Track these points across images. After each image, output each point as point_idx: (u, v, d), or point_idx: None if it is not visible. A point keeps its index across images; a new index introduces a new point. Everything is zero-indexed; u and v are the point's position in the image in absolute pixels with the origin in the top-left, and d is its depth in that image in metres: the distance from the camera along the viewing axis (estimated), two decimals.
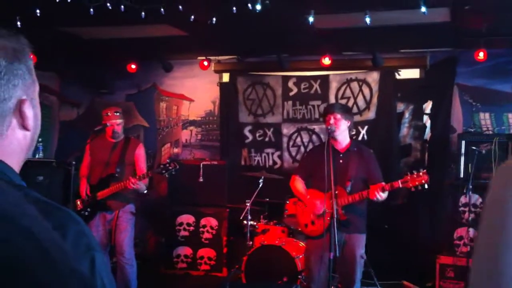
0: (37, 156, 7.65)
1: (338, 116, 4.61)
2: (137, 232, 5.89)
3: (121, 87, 8.41)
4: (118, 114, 5.51)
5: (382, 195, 4.40)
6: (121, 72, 7.97)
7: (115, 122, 5.47)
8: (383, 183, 4.48)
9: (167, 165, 5.32)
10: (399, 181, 4.39)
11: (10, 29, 1.04)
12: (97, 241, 0.93)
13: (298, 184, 4.87)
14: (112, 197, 5.41)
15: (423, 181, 4.32)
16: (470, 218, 6.08)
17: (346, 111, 4.80)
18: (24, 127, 1.01)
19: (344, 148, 4.70)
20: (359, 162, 4.64)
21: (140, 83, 8.34)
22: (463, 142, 6.37)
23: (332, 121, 4.59)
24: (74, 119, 8.67)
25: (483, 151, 6.05)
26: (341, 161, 4.58)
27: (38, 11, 5.19)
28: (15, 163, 1.01)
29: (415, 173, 4.36)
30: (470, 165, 6.12)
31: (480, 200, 6.24)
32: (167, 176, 5.45)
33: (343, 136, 4.71)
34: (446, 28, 6.01)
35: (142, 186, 5.35)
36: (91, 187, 5.52)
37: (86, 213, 5.43)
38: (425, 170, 4.41)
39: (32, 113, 1.03)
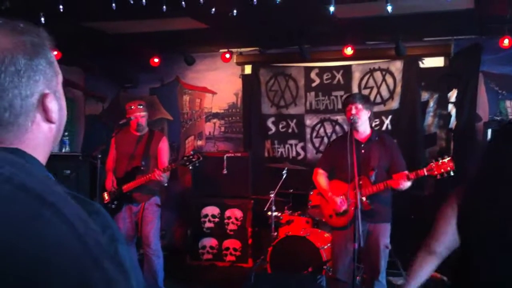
0: (63, 150, 7.77)
1: (360, 106, 4.61)
2: (163, 224, 5.95)
3: (145, 80, 8.48)
4: (141, 107, 5.56)
5: (406, 184, 4.37)
6: (144, 66, 8.03)
7: (139, 115, 5.52)
8: (407, 172, 4.44)
9: (191, 157, 5.36)
10: (424, 169, 4.35)
11: (33, 24, 1.06)
12: (121, 234, 0.94)
13: (321, 179, 4.87)
14: (138, 189, 5.47)
15: (448, 168, 4.28)
16: None
17: (367, 101, 4.79)
18: (48, 120, 1.03)
19: (365, 138, 4.68)
20: (381, 151, 4.62)
21: (163, 77, 8.41)
22: (489, 131, 6.29)
23: (354, 111, 4.58)
24: (100, 113, 8.78)
25: None
26: (363, 151, 4.57)
27: (61, 6, 5.25)
28: (41, 156, 1.03)
29: (441, 161, 4.33)
30: None
31: None
32: (190, 168, 5.49)
33: (364, 126, 4.70)
34: (470, 15, 5.92)
35: (164, 178, 5.40)
36: (117, 180, 5.59)
37: (113, 206, 5.51)
38: (450, 157, 4.36)
39: (56, 105, 1.04)
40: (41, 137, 1.02)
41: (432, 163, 4.36)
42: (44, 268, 0.77)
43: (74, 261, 0.79)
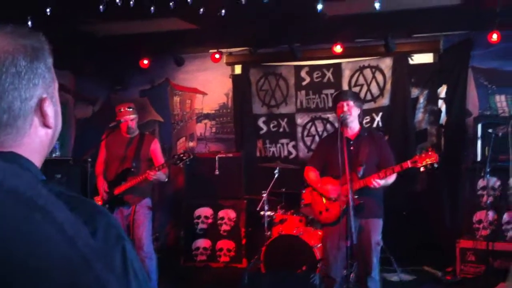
0: (54, 155, 7.71)
1: (351, 103, 4.65)
2: (156, 226, 5.94)
3: (135, 83, 8.45)
4: (131, 109, 5.54)
5: (379, 182, 4.40)
6: (134, 68, 8.01)
7: (129, 118, 5.51)
8: (387, 168, 4.47)
9: (181, 155, 5.39)
10: (409, 161, 4.41)
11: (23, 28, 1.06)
12: (123, 230, 0.96)
13: (311, 174, 4.91)
14: (130, 191, 5.45)
15: (432, 159, 4.33)
16: (488, 201, 6.04)
17: (357, 98, 4.89)
18: (45, 125, 1.04)
19: (354, 134, 4.72)
20: (370, 147, 4.65)
21: (153, 78, 8.37)
22: (480, 126, 6.32)
23: (345, 108, 4.61)
24: (90, 116, 8.74)
25: (500, 134, 5.98)
26: (352, 148, 4.59)
27: (48, 10, 5.22)
28: (37, 160, 1.04)
29: (424, 152, 4.39)
30: (487, 148, 6.07)
31: (498, 183, 6.18)
32: (181, 166, 5.52)
33: (354, 123, 4.75)
34: (459, 11, 5.94)
35: (162, 176, 5.42)
36: (108, 183, 5.56)
37: None
38: (433, 150, 4.43)
39: (53, 111, 1.05)
40: (37, 142, 1.03)
41: (416, 156, 4.43)
42: (33, 270, 0.77)
43: (64, 262, 0.80)
